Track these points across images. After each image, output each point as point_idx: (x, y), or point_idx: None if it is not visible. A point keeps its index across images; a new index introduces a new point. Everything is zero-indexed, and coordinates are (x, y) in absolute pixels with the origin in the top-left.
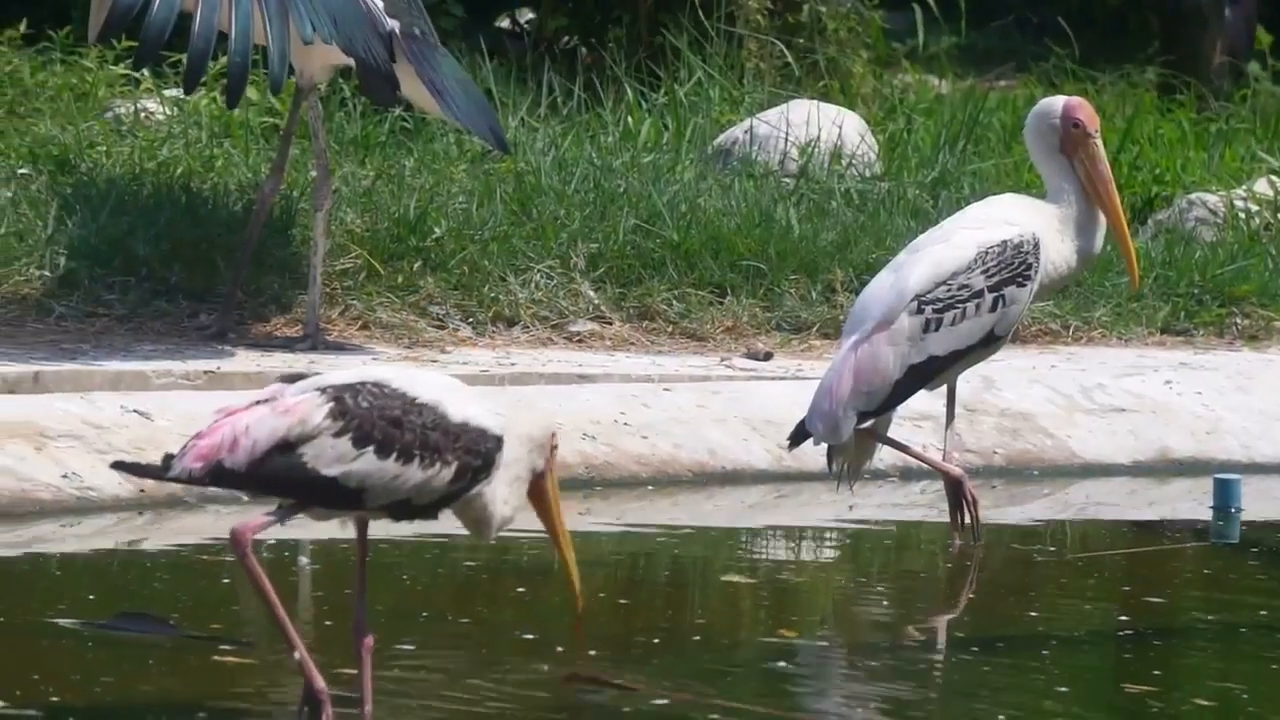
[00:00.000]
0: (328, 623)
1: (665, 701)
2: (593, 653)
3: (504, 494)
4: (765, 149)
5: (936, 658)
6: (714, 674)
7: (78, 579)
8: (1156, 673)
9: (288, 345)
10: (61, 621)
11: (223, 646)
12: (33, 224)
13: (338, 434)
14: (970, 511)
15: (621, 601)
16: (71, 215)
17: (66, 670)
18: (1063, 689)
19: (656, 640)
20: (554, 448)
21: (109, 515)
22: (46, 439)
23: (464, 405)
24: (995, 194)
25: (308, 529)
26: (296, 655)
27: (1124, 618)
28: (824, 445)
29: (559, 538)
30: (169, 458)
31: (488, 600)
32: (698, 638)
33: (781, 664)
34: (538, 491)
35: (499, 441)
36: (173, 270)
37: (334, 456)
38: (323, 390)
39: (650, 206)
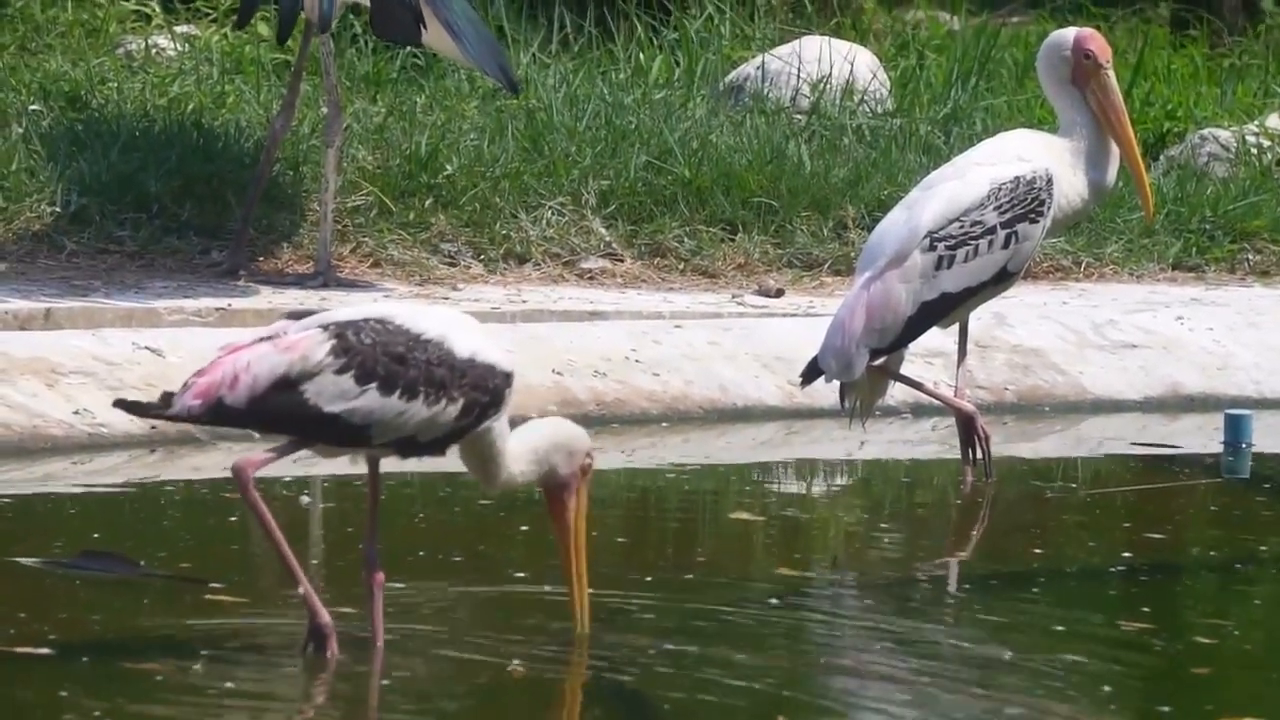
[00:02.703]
0: (336, 561)
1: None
2: (589, 590)
3: (515, 450)
4: (777, 85)
5: (941, 594)
6: (706, 611)
7: (87, 516)
8: (1156, 609)
9: (299, 282)
10: (24, 560)
11: (214, 585)
12: (44, 161)
13: (339, 371)
14: (982, 448)
15: (620, 540)
16: (83, 152)
17: (55, 609)
18: (1060, 627)
19: (649, 578)
20: (586, 469)
21: (121, 452)
22: (58, 375)
23: (471, 340)
24: (1007, 130)
25: (319, 467)
26: (300, 590)
27: (1129, 554)
28: (836, 382)
29: (573, 570)
30: (168, 395)
31: (494, 537)
32: (690, 576)
33: (773, 600)
34: (558, 506)
35: (508, 377)
36: (184, 207)
37: (336, 394)
38: (325, 327)
39: (662, 143)
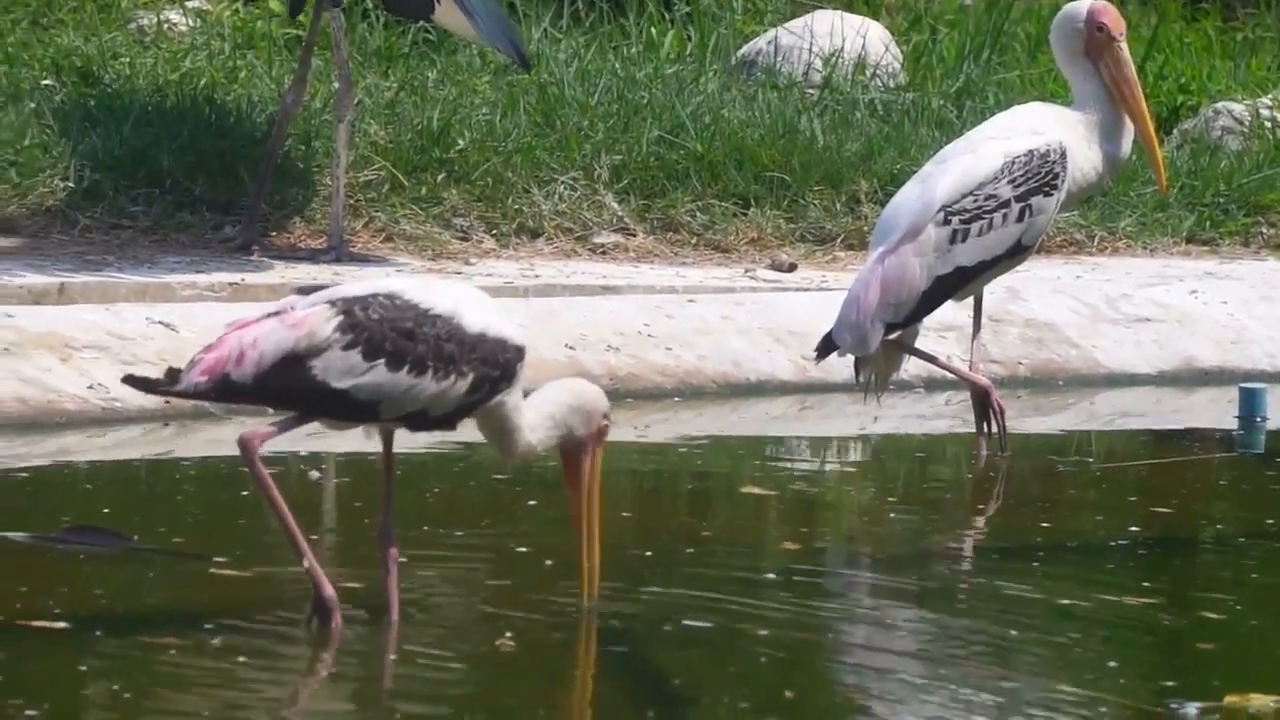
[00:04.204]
0: (345, 535)
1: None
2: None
3: (531, 419)
4: (789, 60)
5: (950, 568)
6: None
7: (99, 490)
8: (1164, 584)
9: (312, 257)
10: (12, 535)
11: (219, 559)
12: (57, 136)
13: (347, 347)
14: (997, 421)
15: (631, 514)
16: (95, 127)
17: (56, 583)
18: (1066, 601)
19: (649, 553)
20: (603, 431)
21: (134, 426)
22: (72, 350)
23: (481, 315)
24: (1021, 103)
25: (331, 442)
26: (305, 564)
27: (1138, 529)
28: (851, 357)
29: (585, 532)
30: (175, 371)
31: (504, 512)
32: (700, 550)
33: (784, 575)
34: (574, 469)
35: (520, 351)
36: (197, 182)
37: (343, 369)
38: (333, 303)
39: (674, 118)
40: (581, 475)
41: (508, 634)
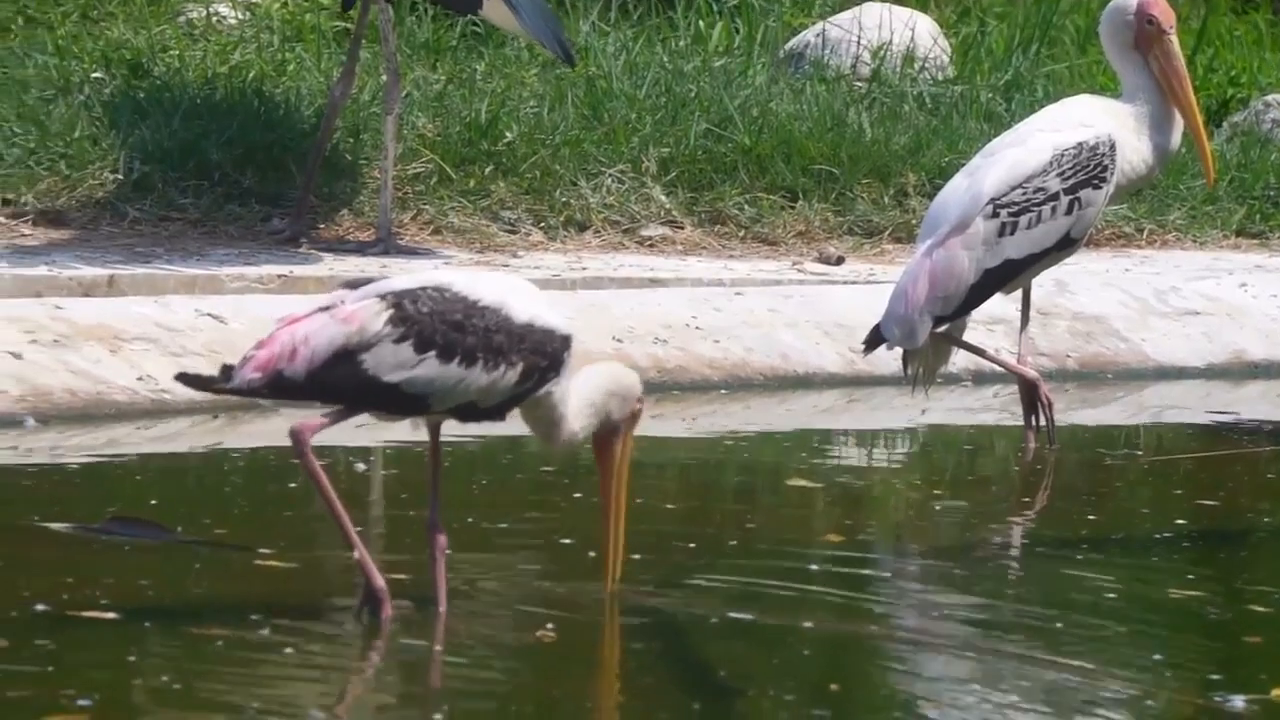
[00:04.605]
0: (394, 526)
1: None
2: (636, 556)
3: (575, 406)
4: (837, 52)
5: (997, 561)
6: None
7: (148, 482)
8: (1211, 577)
9: (360, 249)
10: (54, 525)
11: (264, 551)
12: (106, 129)
13: (398, 340)
14: (1045, 414)
15: (678, 507)
16: (145, 119)
17: (101, 574)
18: (1112, 594)
19: (693, 544)
20: (636, 415)
21: (183, 418)
22: (122, 342)
23: (529, 306)
24: (1069, 96)
25: (379, 433)
26: (356, 555)
27: (1185, 522)
28: (899, 350)
29: (612, 514)
30: (228, 369)
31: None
32: (746, 543)
33: (816, 567)
34: (606, 451)
35: (567, 341)
36: (245, 174)
37: (395, 363)
38: (382, 296)
39: (721, 110)
40: (611, 457)
41: (549, 625)
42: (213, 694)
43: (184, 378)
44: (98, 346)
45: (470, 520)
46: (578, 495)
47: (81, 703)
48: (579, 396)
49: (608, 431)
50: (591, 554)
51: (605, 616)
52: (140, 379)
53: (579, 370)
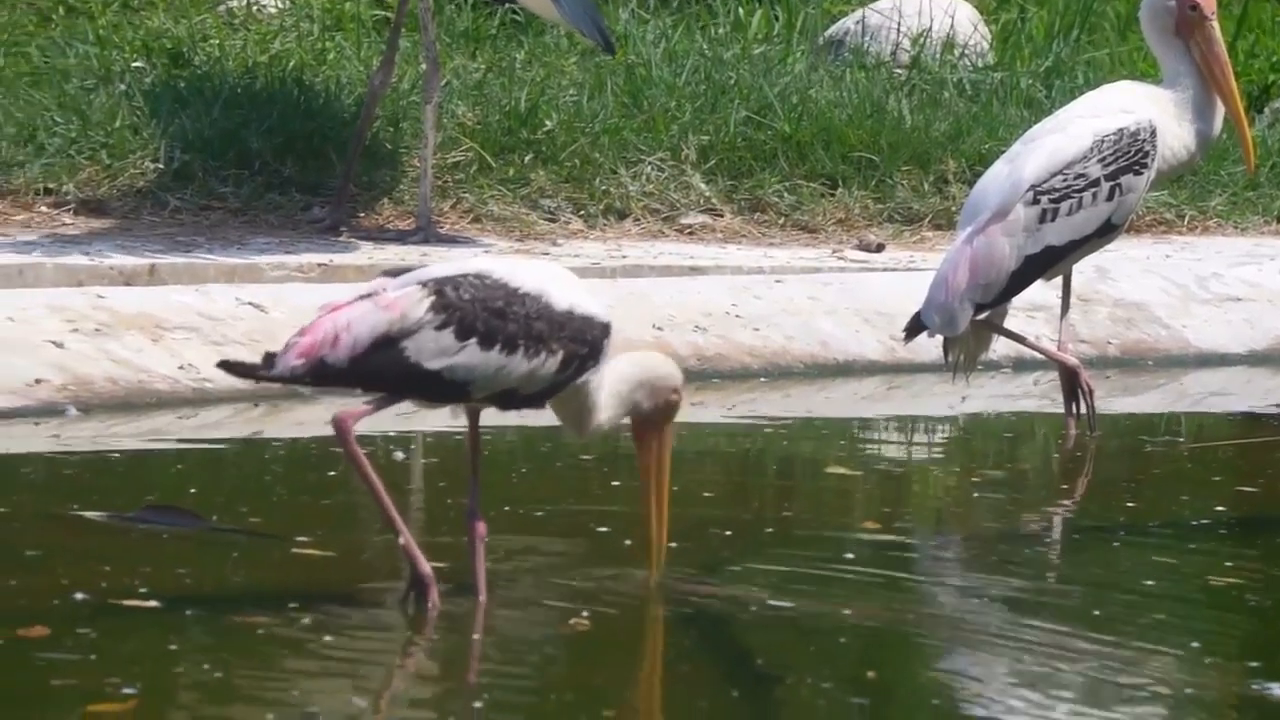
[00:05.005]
0: (433, 513)
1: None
2: (674, 544)
3: (606, 395)
4: (877, 39)
5: (1036, 548)
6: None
7: (189, 470)
8: (1249, 564)
9: (400, 238)
10: (89, 514)
11: (301, 539)
12: (147, 118)
13: (440, 327)
14: (1086, 401)
15: (717, 494)
16: (185, 109)
17: (139, 563)
18: (1150, 582)
19: (729, 532)
20: (672, 405)
21: (225, 407)
22: (163, 331)
23: (569, 293)
24: (1110, 82)
25: (418, 421)
26: (401, 541)
27: (1224, 509)
28: (939, 337)
29: (653, 505)
30: (271, 356)
31: (590, 492)
32: (785, 530)
33: (855, 555)
34: (644, 442)
35: (606, 328)
36: (286, 163)
37: (436, 350)
38: (424, 284)
39: (761, 98)
40: (650, 449)
41: (584, 613)
42: (254, 682)
43: (227, 365)
44: (139, 335)
45: (507, 508)
46: (616, 483)
47: (126, 691)
48: (611, 388)
49: (644, 422)
50: (628, 542)
51: (643, 604)
52: (181, 368)
53: (613, 361)
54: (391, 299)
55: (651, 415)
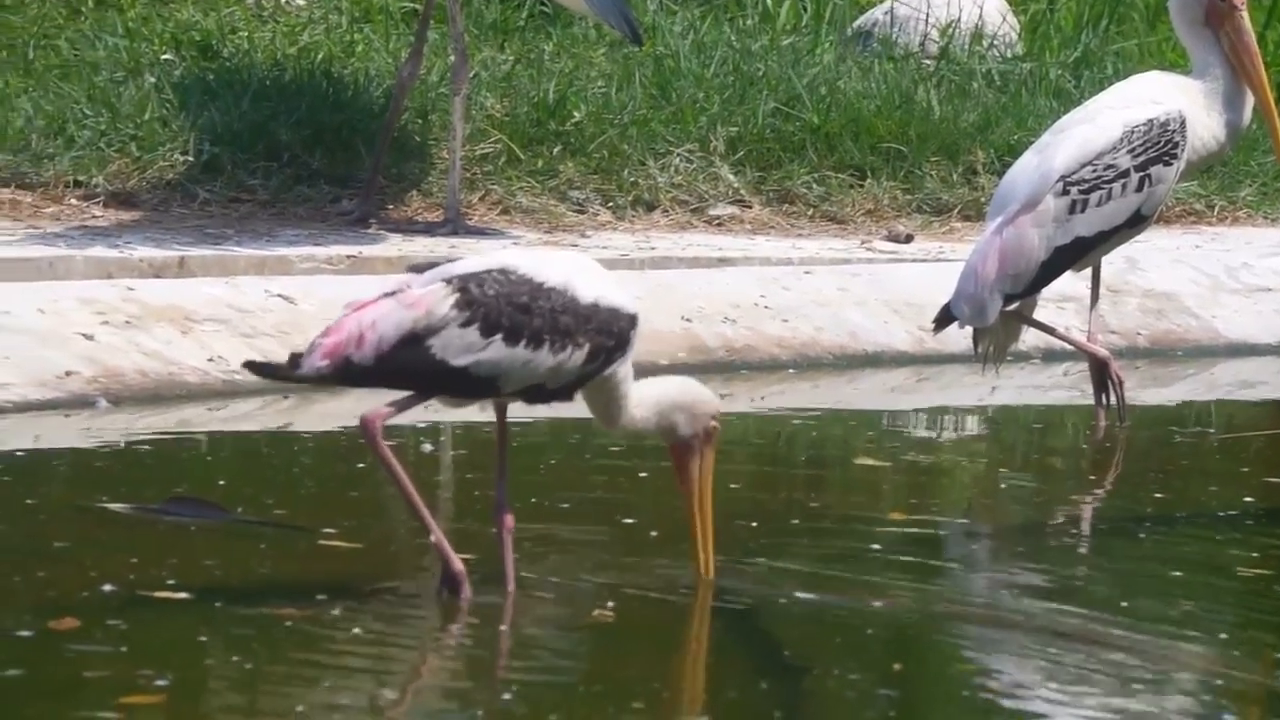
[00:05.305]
0: (461, 507)
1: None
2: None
3: (638, 396)
4: (905, 30)
5: (1065, 539)
6: (830, 556)
7: (217, 462)
8: (1278, 555)
9: (428, 230)
10: (113, 505)
11: (328, 531)
12: (176, 110)
13: (465, 324)
14: (1116, 392)
15: (746, 486)
16: (214, 101)
17: (166, 554)
18: (1178, 572)
19: (756, 523)
20: (711, 434)
21: (254, 398)
22: (192, 323)
23: (594, 285)
24: (1139, 73)
25: (446, 413)
26: (433, 539)
27: (1252, 499)
28: (969, 328)
29: (698, 530)
30: (296, 356)
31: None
32: (798, 520)
33: (883, 547)
34: (684, 471)
35: (633, 320)
36: (314, 156)
37: (462, 346)
38: (448, 280)
39: (790, 89)
40: (690, 476)
41: (609, 604)
42: (285, 674)
43: (252, 365)
44: (169, 328)
45: (534, 500)
46: (643, 475)
47: (159, 683)
48: (648, 392)
49: (682, 448)
50: (654, 533)
51: (669, 595)
52: (211, 360)
53: (660, 376)
54: (416, 296)
55: (691, 442)
